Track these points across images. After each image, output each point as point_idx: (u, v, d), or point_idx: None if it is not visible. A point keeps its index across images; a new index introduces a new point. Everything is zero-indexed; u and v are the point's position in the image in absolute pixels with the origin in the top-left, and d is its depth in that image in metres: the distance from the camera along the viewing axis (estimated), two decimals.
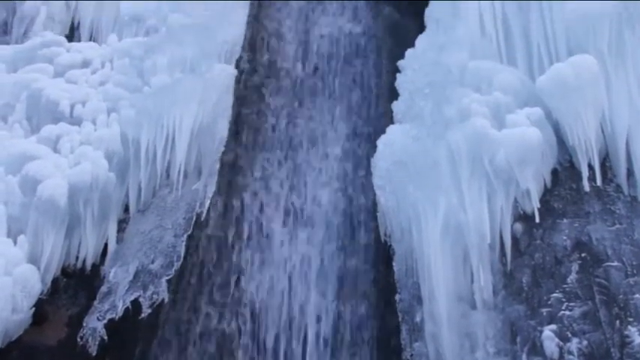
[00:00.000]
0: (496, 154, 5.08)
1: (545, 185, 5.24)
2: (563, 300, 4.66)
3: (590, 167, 5.09)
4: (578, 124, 5.08)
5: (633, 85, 5.17)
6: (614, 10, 5.21)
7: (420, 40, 6.28)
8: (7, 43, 7.57)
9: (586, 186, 5.08)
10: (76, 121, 6.32)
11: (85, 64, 6.87)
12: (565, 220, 5.04)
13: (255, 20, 7.39)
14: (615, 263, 4.71)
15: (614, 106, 5.14)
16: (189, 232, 5.97)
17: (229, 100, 6.62)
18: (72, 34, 7.60)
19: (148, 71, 6.64)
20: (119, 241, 5.99)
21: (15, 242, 5.58)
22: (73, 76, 6.72)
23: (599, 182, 5.10)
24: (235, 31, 7.02)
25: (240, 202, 6.51)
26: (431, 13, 6.39)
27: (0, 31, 7.94)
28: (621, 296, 4.54)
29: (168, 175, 6.25)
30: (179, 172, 6.17)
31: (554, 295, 4.70)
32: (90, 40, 7.43)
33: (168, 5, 7.33)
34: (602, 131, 5.17)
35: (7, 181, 5.84)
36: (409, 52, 6.32)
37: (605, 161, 5.21)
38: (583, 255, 4.81)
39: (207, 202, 6.16)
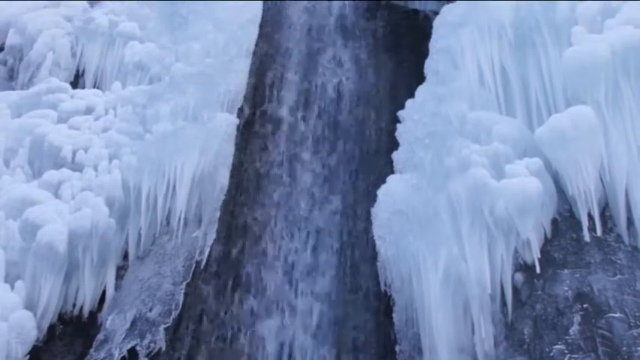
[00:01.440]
0: (496, 205, 5.10)
1: (545, 235, 5.24)
2: (566, 352, 4.60)
3: (590, 217, 5.09)
4: (577, 174, 5.11)
5: (631, 135, 5.22)
6: (610, 60, 5.29)
7: (420, 91, 6.37)
8: (13, 89, 7.67)
9: (586, 236, 5.07)
10: (77, 167, 6.37)
11: (89, 110, 6.95)
12: (566, 271, 5.02)
13: (257, 70, 7.51)
14: (618, 314, 4.67)
15: (612, 156, 5.18)
16: (188, 280, 5.94)
17: (230, 148, 6.66)
18: (76, 81, 7.69)
19: (150, 119, 6.71)
20: (117, 288, 5.95)
21: (12, 287, 5.54)
22: (76, 122, 6.80)
23: (599, 232, 5.09)
24: (238, 81, 7.11)
25: (240, 251, 6.49)
26: (430, 64, 6.49)
27: (6, 76, 8.05)
28: (625, 348, 4.48)
29: (168, 223, 6.25)
30: (179, 219, 6.16)
31: (557, 346, 4.65)
32: (94, 87, 7.52)
33: (171, 54, 7.47)
34: (602, 181, 5.20)
35: (7, 226, 5.86)
36: (409, 102, 6.41)
37: (605, 211, 5.21)
38: (585, 306, 4.77)
39: (207, 250, 6.14)
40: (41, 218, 5.81)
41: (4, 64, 8.19)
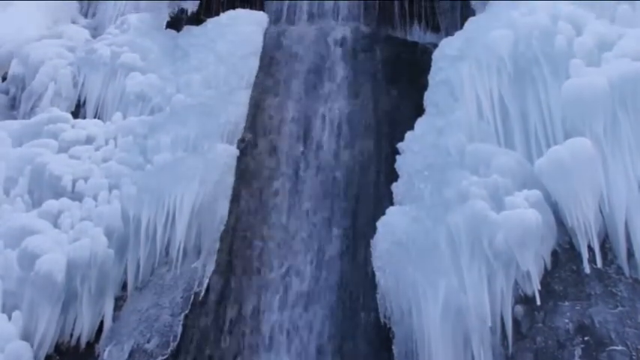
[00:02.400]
0: (495, 236, 5.10)
1: (545, 267, 5.24)
2: None
3: (590, 249, 5.10)
4: (576, 206, 5.13)
5: (630, 167, 5.26)
6: (608, 93, 5.35)
7: (420, 123, 6.42)
8: (15, 118, 7.72)
9: (586, 268, 5.07)
10: (77, 196, 6.38)
11: (90, 140, 6.99)
12: (566, 303, 5.01)
13: (257, 101, 7.56)
14: (619, 347, 4.64)
15: (611, 188, 5.20)
16: (186, 312, 5.91)
17: (230, 179, 6.68)
18: (78, 111, 7.74)
19: (151, 149, 6.74)
20: (115, 319, 5.92)
21: (9, 317, 5.52)
22: (76, 152, 6.83)
23: (599, 264, 5.09)
24: (238, 112, 7.17)
25: (239, 282, 6.46)
26: (430, 96, 6.55)
27: (8, 105, 8.11)
28: None
29: (167, 253, 6.24)
30: (178, 250, 6.17)
31: None
32: (95, 117, 7.56)
33: (172, 85, 7.54)
34: (601, 212, 5.21)
35: (5, 255, 5.86)
36: (409, 134, 6.45)
37: (605, 242, 5.22)
38: (586, 338, 4.75)
39: (206, 281, 6.12)
40: (40, 248, 5.82)
41: (7, 93, 8.26)
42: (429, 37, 8.28)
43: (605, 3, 6.21)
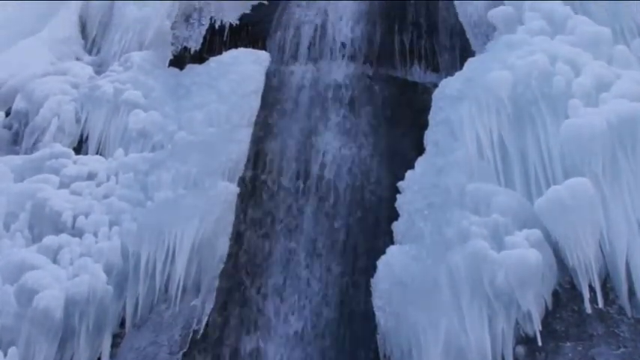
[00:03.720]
0: (496, 276, 5.10)
1: (546, 307, 5.22)
2: None
3: (592, 288, 5.09)
4: (577, 245, 5.14)
5: (629, 207, 5.28)
6: (606, 133, 5.40)
7: (420, 162, 6.44)
8: (17, 153, 7.73)
9: (588, 308, 5.05)
10: (77, 232, 6.36)
11: (91, 176, 6.99)
12: (568, 344, 4.98)
13: (258, 139, 7.62)
14: None
15: (612, 227, 5.21)
16: (184, 350, 5.85)
17: (231, 217, 6.67)
18: (80, 147, 7.74)
19: (152, 186, 6.74)
20: (113, 356, 5.84)
21: (5, 354, 5.46)
22: (78, 187, 6.83)
23: (601, 304, 5.07)
24: (239, 150, 7.19)
25: (238, 321, 6.42)
26: (430, 135, 6.58)
27: (11, 140, 8.12)
28: None
29: (166, 290, 6.19)
30: (178, 287, 6.12)
31: None
32: (97, 153, 7.56)
33: (174, 123, 7.57)
34: (602, 252, 5.22)
35: (3, 291, 5.81)
36: (409, 173, 6.46)
37: (607, 282, 5.21)
38: None
39: (205, 319, 6.07)
40: (38, 283, 5.77)
41: (10, 128, 8.28)
42: (429, 77, 8.36)
43: (602, 44, 6.32)
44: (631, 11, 6.65)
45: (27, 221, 6.55)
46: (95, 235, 6.32)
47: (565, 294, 5.26)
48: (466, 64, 6.97)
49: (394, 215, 6.30)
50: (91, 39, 9.51)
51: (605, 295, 5.13)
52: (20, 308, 5.71)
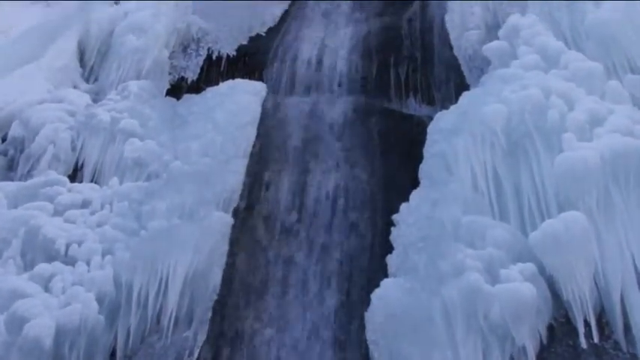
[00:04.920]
0: (491, 310, 5.08)
1: (541, 341, 5.18)
2: None
3: (587, 323, 5.06)
4: (571, 279, 5.14)
5: (624, 241, 5.29)
6: (600, 167, 5.45)
7: (414, 195, 6.45)
8: (12, 180, 7.72)
9: (583, 343, 5.02)
10: (70, 260, 6.33)
11: (85, 204, 6.99)
12: None
13: (253, 170, 7.63)
14: None
15: (606, 262, 5.22)
16: None
17: (225, 248, 6.66)
18: (75, 175, 7.75)
19: (146, 215, 6.73)
20: None
21: None
22: (72, 215, 6.82)
23: (596, 339, 5.04)
24: (234, 180, 7.22)
25: (230, 353, 6.35)
26: (425, 168, 6.62)
27: (6, 166, 8.12)
28: None
29: (158, 321, 6.12)
30: (170, 318, 6.06)
31: None
32: (92, 181, 7.57)
33: (170, 152, 7.60)
34: (597, 286, 5.20)
35: None
36: (403, 206, 6.47)
37: (602, 317, 5.18)
38: None
39: (197, 351, 6.00)
40: (29, 312, 5.73)
41: (5, 154, 8.28)
42: (424, 110, 8.43)
43: (595, 79, 6.39)
44: (622, 47, 6.74)
45: (19, 248, 6.53)
46: (88, 263, 6.29)
47: (560, 328, 5.24)
48: (461, 98, 7.04)
49: (389, 248, 6.29)
50: (89, 67, 9.58)
51: (601, 329, 5.10)
52: (10, 337, 5.65)
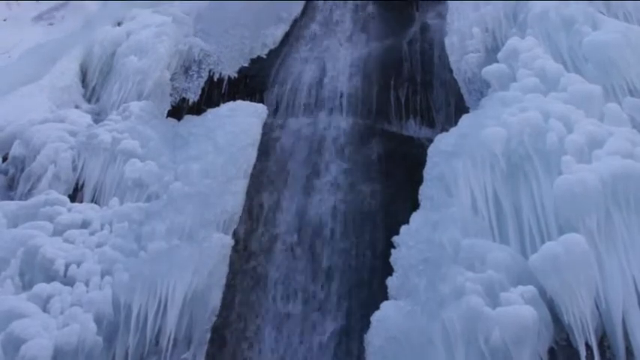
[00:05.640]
0: (491, 333, 5.02)
1: None
2: None
3: (588, 346, 5.01)
4: (572, 302, 5.09)
5: (625, 263, 5.26)
6: (600, 190, 5.44)
7: (415, 218, 6.44)
8: (12, 199, 7.72)
9: None
10: (69, 281, 6.30)
11: (85, 224, 6.97)
12: None
13: (253, 192, 7.64)
14: None
15: (607, 284, 5.18)
16: None
17: (224, 269, 6.64)
18: (75, 194, 7.74)
19: (146, 236, 6.71)
20: None
21: None
22: (71, 235, 6.80)
23: None
24: (234, 202, 7.21)
25: None
26: (425, 190, 6.62)
27: (6, 185, 8.12)
28: None
29: (157, 343, 6.08)
30: (169, 340, 6.02)
31: None
32: (92, 201, 7.56)
33: (171, 173, 7.60)
34: (598, 309, 5.16)
35: None
36: (404, 228, 6.45)
37: (604, 340, 5.14)
38: None
39: None
40: (27, 332, 5.68)
41: (6, 173, 8.29)
42: (424, 132, 8.46)
43: (594, 101, 6.42)
44: (621, 69, 6.78)
45: (18, 268, 6.49)
46: (87, 284, 6.26)
47: (561, 352, 5.19)
48: (460, 120, 7.07)
49: (389, 270, 6.27)
50: (91, 87, 9.64)
51: (602, 353, 5.05)
52: (6, 357, 5.60)
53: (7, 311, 5.89)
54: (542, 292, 5.28)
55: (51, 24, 12.82)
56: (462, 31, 8.58)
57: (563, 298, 5.14)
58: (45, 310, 6.03)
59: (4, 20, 13.29)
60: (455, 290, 5.36)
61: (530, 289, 5.24)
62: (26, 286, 6.37)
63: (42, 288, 6.20)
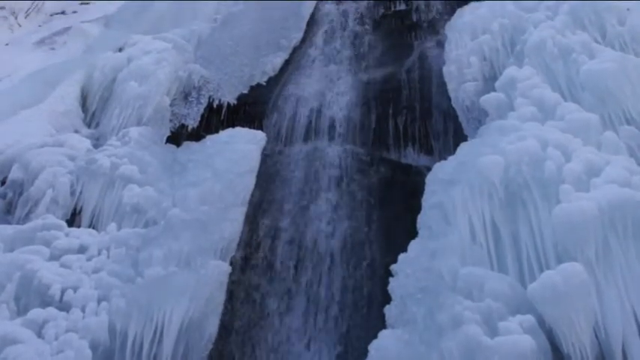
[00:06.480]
0: None
1: None
2: None
3: None
4: (571, 332, 5.07)
5: (624, 292, 5.24)
6: (598, 218, 5.44)
7: (413, 246, 6.42)
8: (9, 223, 7.69)
9: None
10: (65, 306, 6.25)
11: (82, 249, 6.94)
12: None
13: (251, 219, 7.63)
14: None
15: (606, 313, 5.16)
16: None
17: (221, 297, 6.61)
18: (73, 219, 7.72)
19: (143, 262, 6.68)
20: None
21: None
22: (68, 260, 6.76)
23: None
24: (232, 229, 7.20)
25: None
26: (423, 219, 6.60)
27: (4, 209, 8.10)
28: None
29: None
30: None
31: None
32: (90, 226, 7.54)
33: (169, 199, 7.59)
34: (597, 338, 5.13)
35: None
36: (402, 256, 6.42)
37: None
38: None
39: None
40: (20, 358, 5.62)
41: (4, 197, 8.26)
42: (422, 160, 8.47)
43: (591, 130, 6.45)
44: (617, 98, 6.83)
45: (14, 293, 6.43)
46: (83, 310, 6.21)
47: None
48: (459, 149, 7.09)
49: (387, 298, 6.24)
50: (91, 112, 9.67)
51: None
52: None
53: (1, 337, 5.82)
54: (541, 322, 5.25)
55: (52, 49, 12.92)
56: (460, 60, 8.65)
57: (562, 327, 5.11)
58: (40, 335, 5.97)
59: (7, 44, 13.39)
60: (453, 319, 5.32)
61: (528, 319, 5.21)
62: (21, 311, 6.31)
63: (37, 313, 6.14)
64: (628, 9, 8.00)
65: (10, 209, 8.06)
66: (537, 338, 5.08)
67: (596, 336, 5.12)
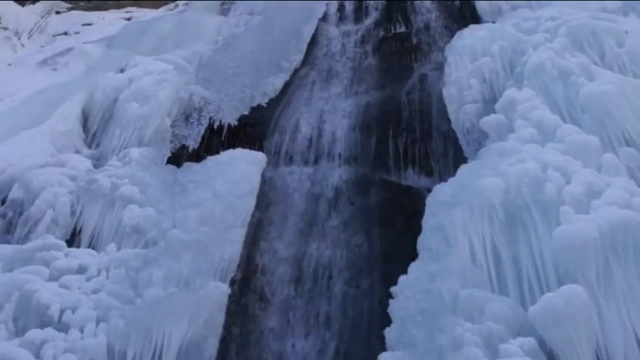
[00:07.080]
0: None
1: None
2: None
3: None
4: (572, 354, 5.03)
5: (625, 314, 5.23)
6: (599, 240, 5.43)
7: (413, 268, 6.38)
8: (9, 242, 7.68)
9: None
10: (63, 327, 6.22)
11: (81, 270, 6.92)
12: None
13: (251, 240, 7.62)
14: None
15: (608, 336, 5.14)
16: None
17: (221, 318, 6.58)
18: (72, 239, 7.71)
19: (142, 283, 6.67)
20: None
21: None
22: (67, 281, 6.74)
23: None
24: (232, 250, 7.18)
25: None
26: (423, 241, 6.57)
27: (4, 229, 8.10)
28: None
29: None
30: None
31: None
32: (89, 246, 7.53)
33: (169, 220, 7.58)
34: None
35: None
36: (402, 278, 6.38)
37: None
38: None
39: None
40: None
41: (4, 217, 8.27)
42: (422, 181, 8.45)
43: (591, 152, 6.47)
44: (617, 120, 6.85)
45: (12, 313, 6.40)
46: (81, 330, 6.18)
47: None
48: (459, 171, 7.09)
49: (387, 321, 6.20)
50: (92, 132, 9.72)
51: None
52: None
53: None
54: (542, 344, 5.22)
55: (55, 69, 13.02)
56: (460, 82, 8.69)
57: (564, 349, 5.08)
58: (38, 356, 5.92)
59: (9, 65, 13.50)
60: (453, 341, 5.28)
61: (529, 341, 5.18)
62: (19, 331, 6.27)
63: (35, 334, 6.10)
64: (626, 31, 8.07)
65: (9, 229, 8.06)
66: None
67: (598, 358, 5.09)
